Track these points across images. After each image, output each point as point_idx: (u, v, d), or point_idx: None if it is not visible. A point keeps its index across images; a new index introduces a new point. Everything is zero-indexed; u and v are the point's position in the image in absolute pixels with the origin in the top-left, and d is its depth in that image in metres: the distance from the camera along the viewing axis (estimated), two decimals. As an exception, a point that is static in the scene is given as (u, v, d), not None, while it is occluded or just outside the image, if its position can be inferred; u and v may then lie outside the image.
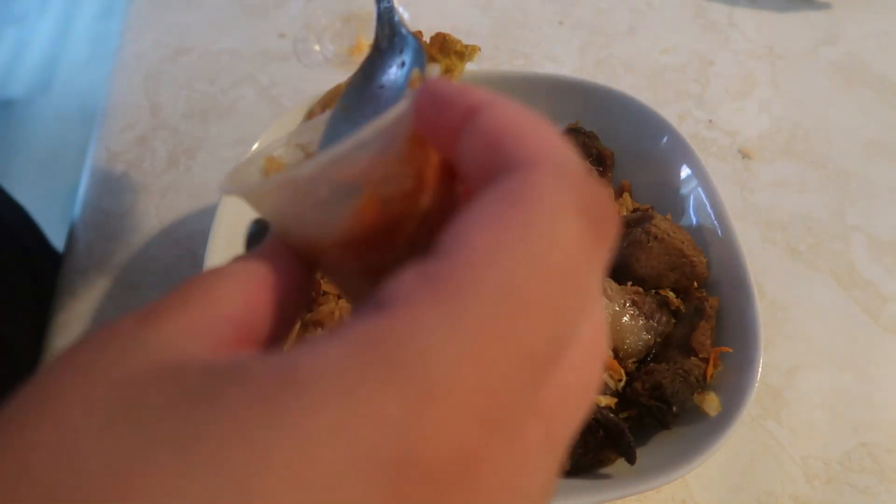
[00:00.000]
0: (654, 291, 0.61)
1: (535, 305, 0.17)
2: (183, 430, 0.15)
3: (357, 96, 0.44)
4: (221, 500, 0.13)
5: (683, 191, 0.68)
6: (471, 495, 0.16)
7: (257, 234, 0.34)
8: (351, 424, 0.14)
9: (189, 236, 0.81)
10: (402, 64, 0.44)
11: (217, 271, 0.25)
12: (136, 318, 0.22)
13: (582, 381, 0.21)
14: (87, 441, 0.15)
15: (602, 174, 0.69)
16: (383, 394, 0.15)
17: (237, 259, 0.27)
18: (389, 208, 0.27)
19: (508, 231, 0.18)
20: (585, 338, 0.22)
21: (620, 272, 0.62)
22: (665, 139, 0.70)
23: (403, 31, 0.47)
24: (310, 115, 0.73)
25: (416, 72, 0.42)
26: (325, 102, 0.74)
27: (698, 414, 0.56)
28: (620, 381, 0.57)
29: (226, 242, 0.65)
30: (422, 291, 0.17)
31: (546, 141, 0.22)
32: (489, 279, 0.17)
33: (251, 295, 0.24)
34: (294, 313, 0.27)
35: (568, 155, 0.22)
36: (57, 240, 0.88)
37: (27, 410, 0.17)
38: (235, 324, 0.23)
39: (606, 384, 0.56)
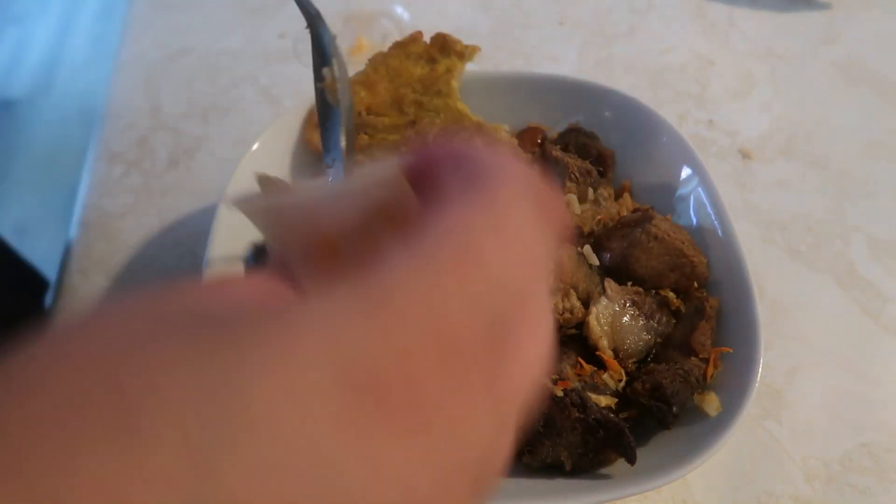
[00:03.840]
0: (654, 291, 0.61)
1: (494, 266, 0.20)
2: (196, 350, 0.17)
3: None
4: (217, 397, 0.16)
5: (683, 191, 0.68)
6: (415, 426, 0.18)
7: (255, 258, 0.35)
8: (326, 349, 0.17)
9: (189, 236, 0.81)
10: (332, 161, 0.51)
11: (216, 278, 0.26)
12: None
13: (528, 359, 0.23)
14: (121, 352, 0.17)
15: (602, 174, 0.69)
16: (355, 324, 0.17)
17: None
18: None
19: (473, 208, 0.21)
20: (534, 317, 0.23)
21: (620, 272, 0.62)
22: (665, 139, 0.70)
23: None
24: (310, 115, 0.73)
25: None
26: (325, 102, 0.73)
27: (698, 414, 0.56)
28: (620, 381, 0.57)
29: (226, 242, 0.65)
30: (397, 249, 0.20)
31: (504, 156, 0.25)
32: (454, 241, 0.20)
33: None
34: None
35: (524, 166, 0.25)
36: (57, 240, 0.88)
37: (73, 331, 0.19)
38: None
39: (606, 384, 0.56)
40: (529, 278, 0.22)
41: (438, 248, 0.20)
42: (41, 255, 1.99)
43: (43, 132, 2.33)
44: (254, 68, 0.97)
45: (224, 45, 1.00)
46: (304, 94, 0.75)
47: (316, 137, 0.72)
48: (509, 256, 0.21)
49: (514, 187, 0.23)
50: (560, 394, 0.53)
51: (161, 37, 1.02)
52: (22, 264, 0.97)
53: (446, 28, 0.75)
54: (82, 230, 0.82)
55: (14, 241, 2.05)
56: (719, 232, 0.63)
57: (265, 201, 0.29)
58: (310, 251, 0.28)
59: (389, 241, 0.21)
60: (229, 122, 0.93)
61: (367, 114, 0.71)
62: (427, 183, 0.25)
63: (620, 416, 0.55)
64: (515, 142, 0.72)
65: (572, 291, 0.58)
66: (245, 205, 0.28)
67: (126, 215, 0.83)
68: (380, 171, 0.27)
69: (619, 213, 0.67)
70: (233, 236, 0.66)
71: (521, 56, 1.00)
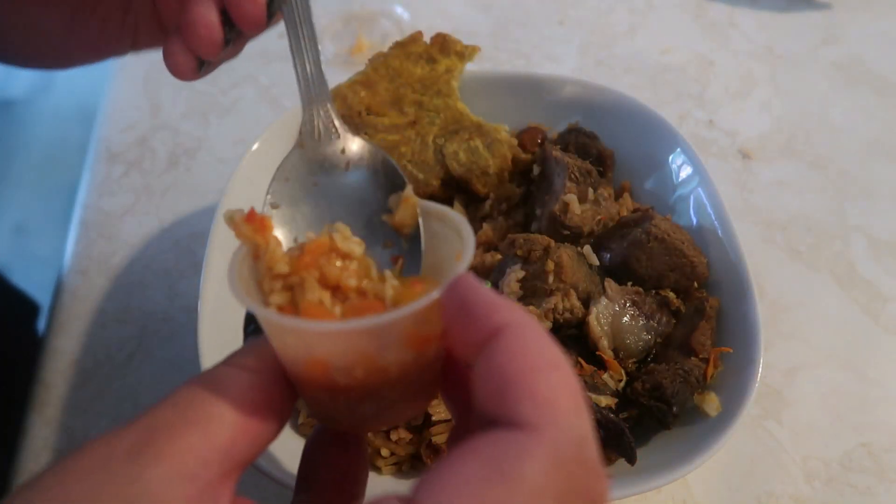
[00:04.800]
0: (654, 291, 0.61)
1: None
2: None
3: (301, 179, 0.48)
4: None
5: (683, 191, 0.68)
6: None
7: (252, 327, 0.37)
8: None
9: (189, 236, 0.81)
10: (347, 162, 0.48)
11: (212, 386, 0.28)
12: (129, 450, 0.25)
13: None
14: None
15: (602, 174, 0.69)
16: None
17: (231, 365, 0.30)
18: (381, 374, 0.30)
19: None
20: None
21: (620, 272, 0.62)
22: (665, 139, 0.70)
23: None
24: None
25: (400, 198, 0.43)
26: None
27: (698, 414, 0.56)
28: (620, 381, 0.57)
29: (226, 242, 0.65)
30: None
31: (555, 399, 0.23)
32: None
33: (241, 420, 0.27)
34: (270, 439, 0.29)
35: (572, 420, 0.23)
36: (57, 239, 0.88)
37: None
38: (223, 456, 0.26)
39: (606, 384, 0.56)
40: None
41: None
42: (41, 255, 2.00)
43: (42, 132, 2.33)
44: (254, 68, 0.97)
45: (224, 45, 1.00)
46: (304, 94, 0.76)
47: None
48: None
49: (545, 475, 0.21)
50: (560, 394, 0.53)
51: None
52: (12, 290, 0.96)
53: (446, 28, 0.75)
54: (82, 230, 0.82)
55: (14, 241, 2.05)
56: (719, 232, 0.63)
57: (277, 318, 0.30)
58: (300, 367, 0.30)
59: None
60: (229, 122, 0.93)
61: (367, 114, 0.71)
62: (465, 362, 0.25)
63: (620, 416, 0.55)
64: (515, 142, 0.72)
65: (572, 291, 0.58)
66: (258, 313, 0.30)
67: (126, 215, 0.83)
68: (416, 305, 0.28)
69: (619, 213, 0.67)
70: (232, 237, 0.66)
71: (521, 56, 1.00)
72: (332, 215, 0.44)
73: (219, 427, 0.26)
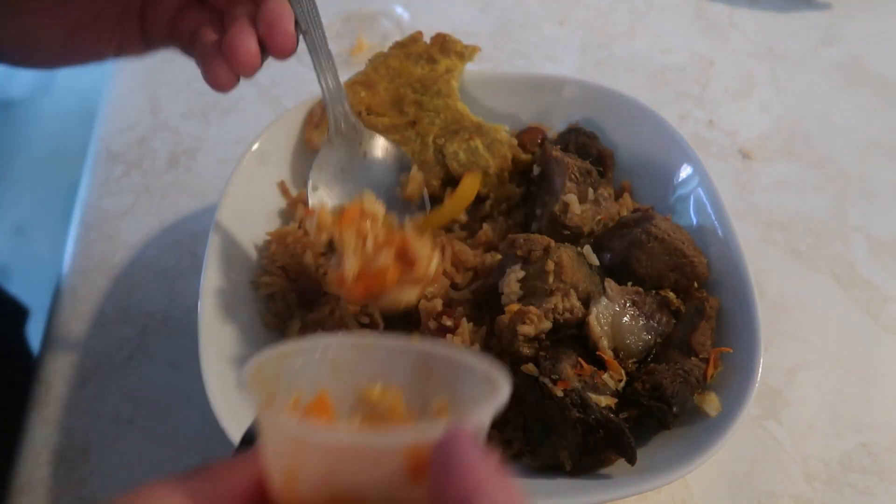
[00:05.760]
0: (654, 291, 0.61)
1: None
2: None
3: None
4: None
5: (683, 191, 0.68)
6: None
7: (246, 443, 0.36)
8: None
9: (189, 236, 0.81)
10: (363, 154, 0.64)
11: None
12: None
13: None
14: None
15: (602, 174, 0.69)
16: None
17: (217, 481, 0.29)
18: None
19: None
20: None
21: (620, 272, 0.62)
22: (665, 139, 0.70)
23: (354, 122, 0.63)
24: (310, 116, 0.73)
25: (408, 176, 0.64)
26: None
27: (698, 414, 0.56)
28: (620, 381, 0.57)
29: (225, 243, 0.65)
30: None
31: None
32: None
33: None
34: None
35: None
36: (57, 240, 0.88)
37: None
38: None
39: (606, 384, 0.56)
40: None
41: None
42: (41, 255, 2.00)
43: (43, 132, 2.33)
44: (254, 68, 0.96)
45: (224, 45, 1.00)
46: (304, 94, 0.75)
47: (316, 137, 0.72)
48: None
49: None
50: (560, 394, 0.53)
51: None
52: (11, 290, 0.96)
53: (446, 28, 0.75)
54: (82, 230, 0.82)
55: (14, 241, 2.05)
56: (719, 232, 0.63)
57: (292, 426, 0.30)
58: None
59: None
60: (229, 122, 0.93)
61: (367, 114, 0.71)
62: None
63: (620, 416, 0.55)
64: (515, 142, 0.72)
65: (572, 291, 0.58)
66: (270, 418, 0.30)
67: (126, 215, 0.83)
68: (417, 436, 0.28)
69: (619, 213, 0.67)
70: (232, 237, 0.66)
71: (521, 56, 1.00)
72: (356, 192, 0.60)
73: None
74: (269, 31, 0.50)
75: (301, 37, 0.54)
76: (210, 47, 0.52)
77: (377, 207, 0.55)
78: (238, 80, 0.52)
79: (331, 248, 0.57)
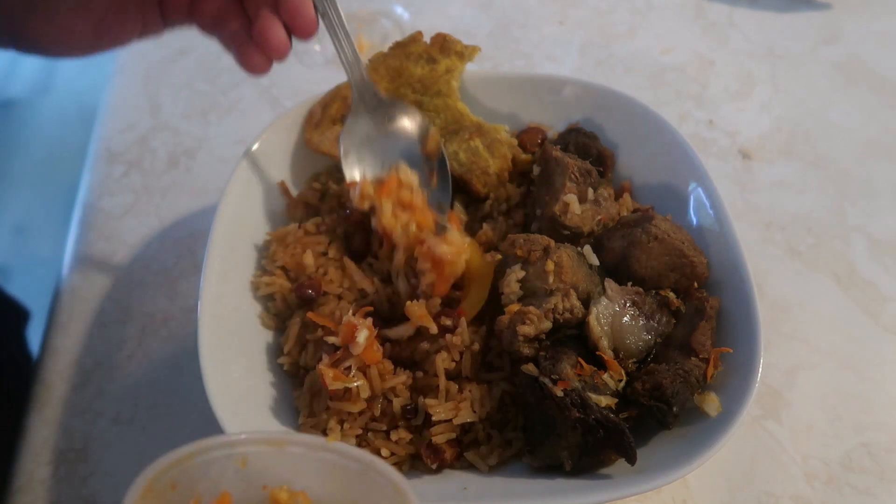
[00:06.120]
0: (654, 291, 0.61)
1: None
2: None
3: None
4: None
5: (683, 191, 0.68)
6: None
7: None
8: None
9: (189, 236, 0.81)
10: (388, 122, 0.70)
11: None
12: None
13: None
14: None
15: (602, 174, 0.69)
16: None
17: None
18: None
19: None
20: None
21: (620, 272, 0.62)
22: (665, 139, 0.70)
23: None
24: (310, 115, 0.73)
25: (427, 134, 0.70)
26: (325, 103, 0.74)
27: (699, 414, 0.56)
28: (620, 381, 0.57)
29: (225, 243, 0.65)
30: None
31: None
32: None
33: None
34: None
35: None
36: (57, 240, 0.88)
37: None
38: None
39: (606, 384, 0.56)
40: None
41: None
42: (41, 255, 2.00)
43: (42, 132, 2.33)
44: (254, 68, 0.97)
45: (224, 45, 1.00)
46: (304, 94, 0.75)
47: (316, 137, 0.72)
48: None
49: None
50: (560, 394, 0.53)
51: (161, 37, 1.02)
52: (11, 291, 0.96)
53: (446, 28, 0.75)
54: (82, 230, 0.82)
55: (14, 241, 2.05)
56: (719, 232, 0.63)
57: None
58: None
59: None
60: (229, 122, 0.93)
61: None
62: None
63: (620, 416, 0.55)
64: (515, 142, 0.72)
65: (572, 291, 0.58)
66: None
67: (126, 215, 0.83)
68: None
69: (619, 213, 0.67)
70: (232, 237, 0.66)
71: (521, 56, 1.00)
72: (383, 155, 0.69)
73: None
74: (293, 17, 0.57)
75: (320, 19, 0.60)
76: (241, 35, 0.58)
77: (411, 177, 0.66)
78: (272, 63, 0.59)
79: (372, 211, 0.66)
